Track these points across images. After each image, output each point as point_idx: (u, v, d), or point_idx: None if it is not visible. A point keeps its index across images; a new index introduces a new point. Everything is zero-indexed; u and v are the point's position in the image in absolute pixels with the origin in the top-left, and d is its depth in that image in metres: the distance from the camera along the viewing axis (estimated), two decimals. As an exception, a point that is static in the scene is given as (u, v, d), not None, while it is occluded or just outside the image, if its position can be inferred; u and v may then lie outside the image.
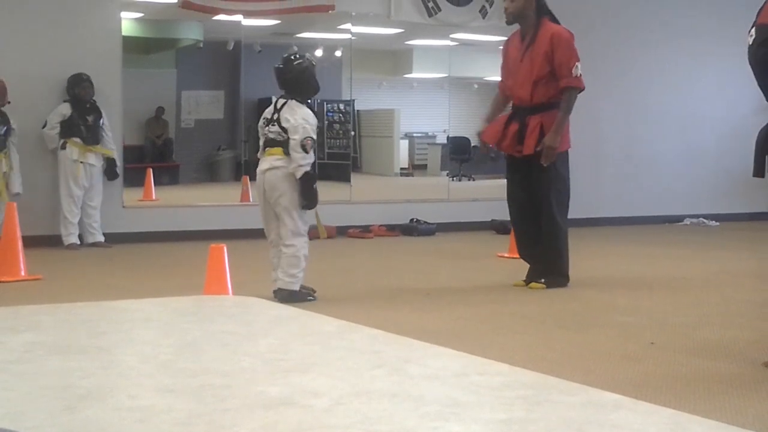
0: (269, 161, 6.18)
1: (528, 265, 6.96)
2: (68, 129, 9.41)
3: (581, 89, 6.71)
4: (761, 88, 4.26)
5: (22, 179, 9.20)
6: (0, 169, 8.95)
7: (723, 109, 12.71)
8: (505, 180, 7.13)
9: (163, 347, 1.92)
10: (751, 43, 4.22)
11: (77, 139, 9.42)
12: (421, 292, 6.67)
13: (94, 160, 9.56)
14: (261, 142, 6.34)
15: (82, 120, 9.43)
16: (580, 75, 6.66)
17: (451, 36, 12.42)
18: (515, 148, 6.79)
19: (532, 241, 6.88)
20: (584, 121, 11.81)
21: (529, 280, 6.85)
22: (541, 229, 6.81)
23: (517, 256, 7.28)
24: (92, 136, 9.48)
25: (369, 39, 12.73)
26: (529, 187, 6.82)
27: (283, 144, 6.15)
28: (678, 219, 12.47)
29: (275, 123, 6.19)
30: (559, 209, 6.79)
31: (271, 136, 6.20)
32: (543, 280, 6.76)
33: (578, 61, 6.66)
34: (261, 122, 6.33)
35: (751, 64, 4.25)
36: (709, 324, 5.52)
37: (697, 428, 1.27)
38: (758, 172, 4.33)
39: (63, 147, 9.41)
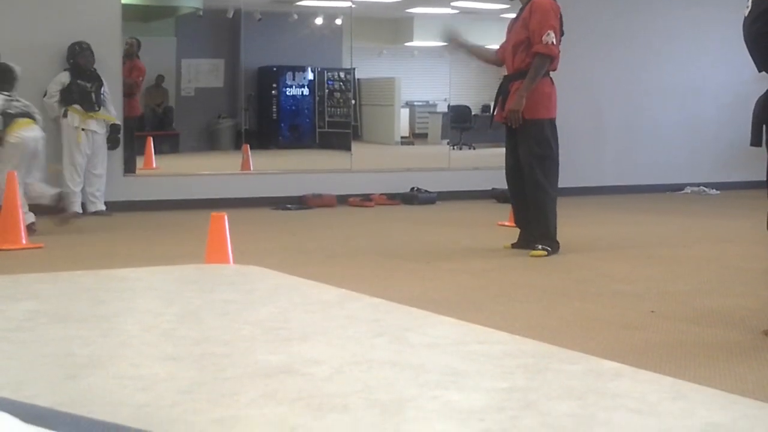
0: (37, 129, 7.88)
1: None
2: (68, 96, 9.38)
3: (551, 57, 6.76)
4: (754, 62, 4.23)
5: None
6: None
7: (724, 78, 12.66)
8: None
9: (165, 316, 1.92)
10: (747, 15, 4.17)
11: (77, 106, 9.39)
12: (421, 261, 6.68)
13: (96, 127, 9.53)
14: (5, 113, 7.62)
15: (80, 87, 9.40)
16: (552, 43, 6.72)
17: (452, 4, 12.37)
18: (499, 114, 6.99)
19: (523, 207, 6.95)
20: (586, 91, 11.81)
21: (517, 246, 6.93)
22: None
23: (518, 224, 7.32)
24: (90, 103, 9.44)
25: (369, 7, 12.67)
26: (517, 153, 6.92)
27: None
28: (679, 188, 12.46)
29: (18, 100, 7.77)
30: (545, 175, 6.83)
31: (26, 110, 7.80)
32: (540, 246, 6.78)
33: (551, 29, 6.73)
34: (3, 99, 7.69)
35: (745, 38, 4.20)
36: (709, 292, 5.53)
37: (698, 396, 1.27)
38: (755, 141, 4.33)
39: (65, 115, 9.40)
